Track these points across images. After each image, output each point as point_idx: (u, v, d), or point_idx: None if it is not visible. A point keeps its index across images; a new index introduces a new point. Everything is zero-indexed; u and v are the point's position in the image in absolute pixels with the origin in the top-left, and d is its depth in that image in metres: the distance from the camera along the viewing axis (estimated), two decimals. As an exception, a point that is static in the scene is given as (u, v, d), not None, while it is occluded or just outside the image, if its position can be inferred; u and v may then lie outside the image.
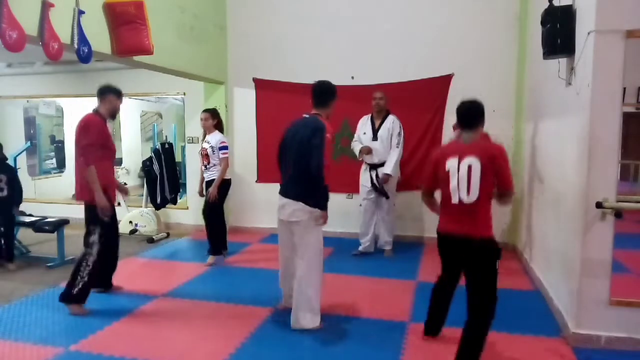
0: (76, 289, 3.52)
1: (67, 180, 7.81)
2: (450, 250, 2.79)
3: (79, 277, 3.52)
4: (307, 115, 3.34)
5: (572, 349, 2.96)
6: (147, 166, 6.03)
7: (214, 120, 4.92)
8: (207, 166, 4.87)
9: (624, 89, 2.81)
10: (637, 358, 2.88)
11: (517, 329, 3.25)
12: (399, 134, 4.92)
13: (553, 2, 3.22)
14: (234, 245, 5.52)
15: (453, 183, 2.61)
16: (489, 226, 2.62)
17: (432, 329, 3.11)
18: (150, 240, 5.92)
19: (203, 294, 4.04)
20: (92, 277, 3.56)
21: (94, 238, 3.57)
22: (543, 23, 3.31)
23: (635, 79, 3.19)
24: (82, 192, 3.61)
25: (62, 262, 4.85)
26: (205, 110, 4.99)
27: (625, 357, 2.87)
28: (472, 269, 2.68)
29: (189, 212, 6.58)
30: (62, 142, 9.22)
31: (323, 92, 3.38)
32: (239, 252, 5.38)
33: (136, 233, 6.14)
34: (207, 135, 4.90)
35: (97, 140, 3.55)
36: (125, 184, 7.15)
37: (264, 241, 5.90)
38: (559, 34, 3.15)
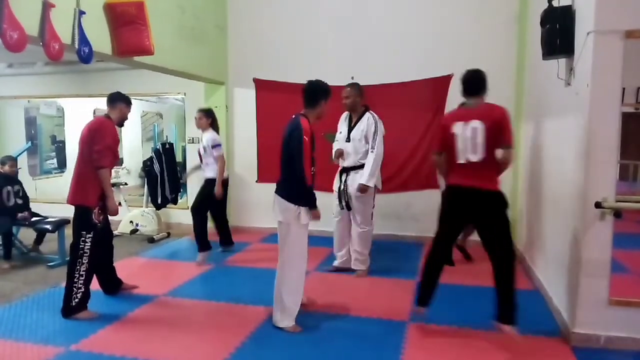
0: (76, 301, 3.47)
1: (67, 180, 7.81)
2: (459, 200, 3.04)
3: (74, 289, 3.46)
4: (294, 115, 3.35)
5: (572, 349, 2.97)
6: (147, 166, 6.04)
7: (208, 119, 4.99)
8: (202, 165, 5.09)
9: (623, 89, 2.82)
10: (636, 358, 2.88)
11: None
12: (375, 133, 4.25)
13: (552, 2, 3.22)
14: (235, 244, 5.52)
15: (460, 145, 2.94)
16: (496, 181, 2.94)
17: (426, 299, 3.25)
18: (151, 240, 5.94)
19: (203, 293, 4.05)
20: (87, 284, 3.52)
21: (86, 245, 3.48)
22: (542, 23, 3.31)
23: (634, 79, 3.19)
24: (77, 196, 3.52)
25: (63, 261, 4.85)
26: (199, 110, 5.06)
27: (624, 356, 2.88)
28: (484, 220, 2.98)
29: (189, 212, 6.57)
30: (63, 142, 9.22)
31: (312, 92, 3.33)
32: (239, 251, 5.40)
33: (137, 233, 6.16)
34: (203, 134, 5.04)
35: (112, 143, 3.55)
36: (125, 183, 7.17)
37: (264, 241, 5.91)
38: (558, 34, 3.16)
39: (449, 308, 3.61)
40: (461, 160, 2.94)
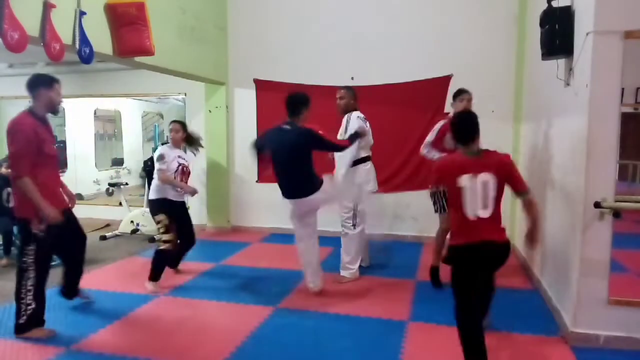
0: (24, 318, 3.12)
1: (68, 180, 7.84)
2: (477, 259, 2.62)
3: (23, 306, 3.11)
4: (286, 127, 3.57)
5: (571, 348, 2.97)
6: (148, 166, 6.05)
7: (184, 133, 4.36)
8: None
9: (622, 89, 2.82)
10: (635, 357, 2.89)
11: (515, 328, 3.26)
12: (344, 133, 4.13)
13: (552, 3, 3.23)
14: (235, 245, 5.54)
15: (469, 200, 2.56)
16: (504, 230, 2.67)
17: None
18: (151, 239, 5.93)
19: (204, 293, 4.06)
20: (37, 299, 3.16)
21: (29, 260, 3.09)
22: (542, 24, 3.32)
23: (633, 80, 3.20)
24: (17, 209, 3.15)
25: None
26: (176, 122, 4.40)
27: (624, 356, 2.89)
28: (489, 275, 2.74)
29: (189, 212, 6.58)
30: (64, 142, 9.24)
31: (296, 104, 3.65)
32: (239, 251, 5.40)
33: (137, 232, 6.17)
34: (175, 150, 4.27)
35: (26, 147, 2.99)
36: (126, 183, 7.17)
37: (264, 241, 5.92)
38: (557, 34, 3.16)
39: (449, 308, 3.61)
40: (470, 216, 2.57)
